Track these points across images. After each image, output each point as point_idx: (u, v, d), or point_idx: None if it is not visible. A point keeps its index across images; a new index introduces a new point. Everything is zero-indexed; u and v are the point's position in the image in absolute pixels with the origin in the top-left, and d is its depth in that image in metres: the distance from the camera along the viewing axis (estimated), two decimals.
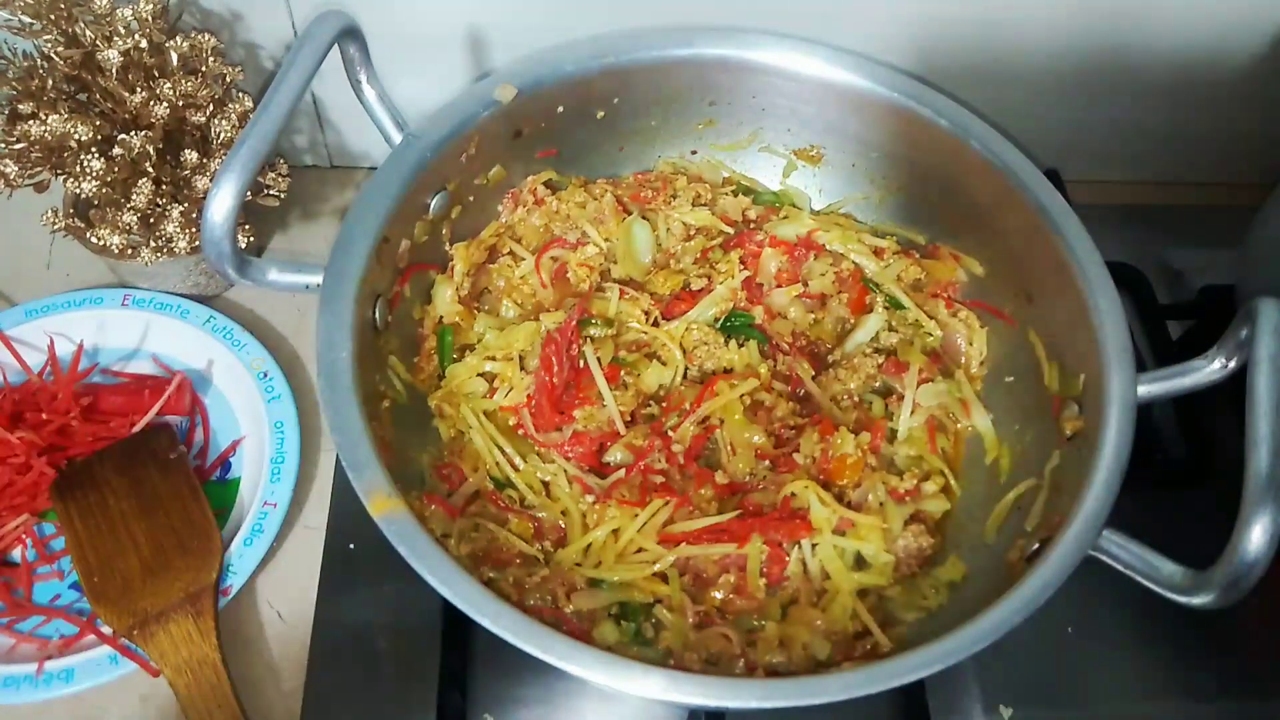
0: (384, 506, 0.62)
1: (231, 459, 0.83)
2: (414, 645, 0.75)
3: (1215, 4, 0.88)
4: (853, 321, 0.85)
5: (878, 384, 0.82)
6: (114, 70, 0.78)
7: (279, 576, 0.79)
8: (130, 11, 0.79)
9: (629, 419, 0.78)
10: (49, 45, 0.78)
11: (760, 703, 0.58)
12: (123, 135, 0.79)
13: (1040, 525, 0.69)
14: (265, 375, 0.84)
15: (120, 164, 0.78)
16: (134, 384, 0.84)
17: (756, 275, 0.87)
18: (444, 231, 0.83)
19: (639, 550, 0.72)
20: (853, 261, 0.87)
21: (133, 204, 0.79)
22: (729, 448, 0.76)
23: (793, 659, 0.68)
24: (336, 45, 0.70)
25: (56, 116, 0.76)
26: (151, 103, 0.79)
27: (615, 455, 0.77)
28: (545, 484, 0.75)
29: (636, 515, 0.72)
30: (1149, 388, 0.68)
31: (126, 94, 0.79)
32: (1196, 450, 0.86)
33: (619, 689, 0.58)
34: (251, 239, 0.88)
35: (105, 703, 0.72)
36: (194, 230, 0.82)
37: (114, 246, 0.81)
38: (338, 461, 0.83)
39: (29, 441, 0.78)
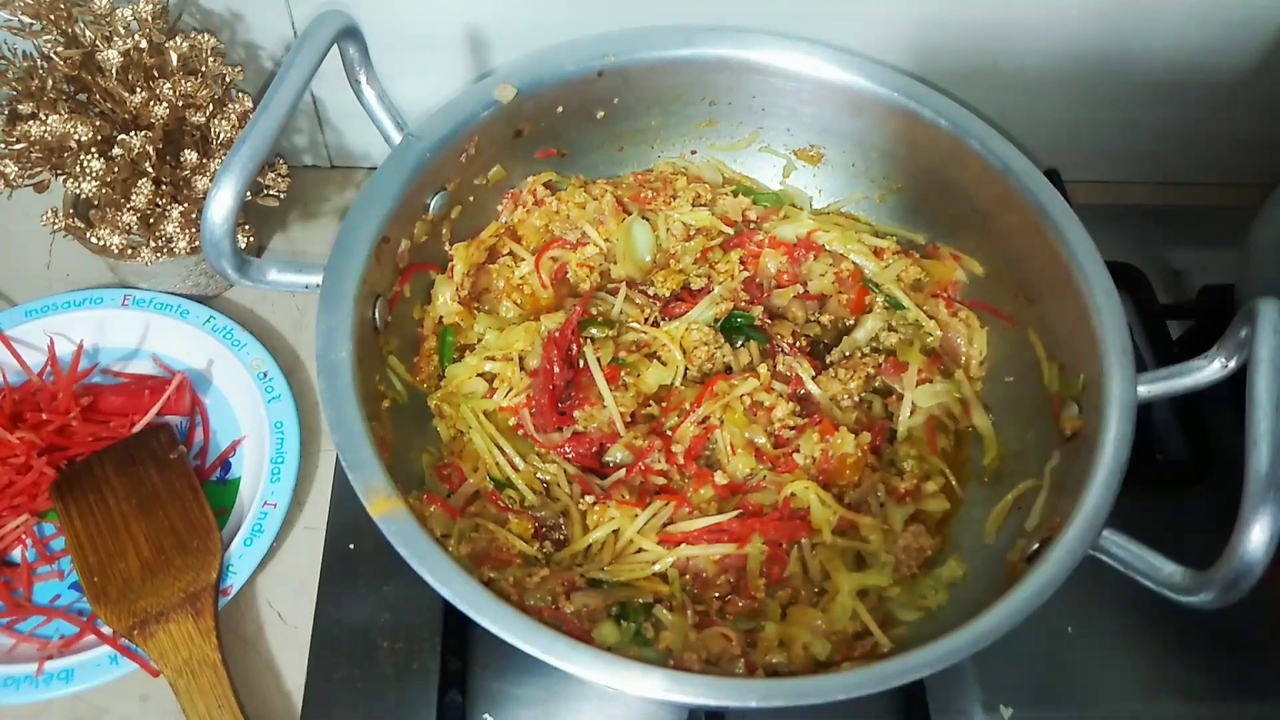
0: (384, 506, 0.62)
1: (231, 459, 0.83)
2: (414, 645, 0.75)
3: (1215, 4, 0.88)
4: (853, 321, 0.85)
5: (878, 384, 0.82)
6: (114, 70, 0.78)
7: (279, 576, 0.79)
8: (130, 11, 0.79)
9: (629, 419, 0.78)
10: (49, 45, 0.78)
11: (760, 703, 0.58)
12: (123, 135, 0.79)
13: (1040, 525, 0.69)
14: (265, 375, 0.84)
15: (120, 164, 0.78)
16: (134, 384, 0.84)
17: (756, 275, 0.87)
18: (444, 231, 0.83)
19: (639, 550, 0.72)
20: (852, 262, 0.87)
21: (133, 204, 0.79)
22: (729, 448, 0.76)
23: (793, 659, 0.68)
24: (336, 45, 0.70)
25: (56, 116, 0.76)
26: (151, 103, 0.79)
27: (615, 455, 0.77)
28: (545, 484, 0.75)
29: (636, 515, 0.72)
30: (1149, 388, 0.68)
31: (126, 94, 0.79)
32: (1196, 450, 0.86)
33: (619, 689, 0.58)
34: (251, 239, 0.88)
35: (105, 703, 0.72)
36: (194, 230, 0.82)
37: (114, 246, 0.81)
38: (338, 461, 0.83)
39: (29, 441, 0.78)
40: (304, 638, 0.75)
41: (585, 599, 0.68)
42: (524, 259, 0.86)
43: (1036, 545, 0.66)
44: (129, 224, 0.80)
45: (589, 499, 0.73)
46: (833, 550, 0.72)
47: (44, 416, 0.79)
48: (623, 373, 0.79)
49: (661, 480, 0.75)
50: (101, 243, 0.80)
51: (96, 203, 0.81)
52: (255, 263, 0.67)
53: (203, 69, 0.82)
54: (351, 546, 0.79)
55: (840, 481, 0.75)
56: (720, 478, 0.75)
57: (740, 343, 0.82)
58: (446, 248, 0.83)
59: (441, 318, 0.82)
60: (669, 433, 0.77)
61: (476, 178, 0.84)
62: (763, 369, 0.80)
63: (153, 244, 0.82)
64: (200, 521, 0.76)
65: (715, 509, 0.74)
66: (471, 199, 0.84)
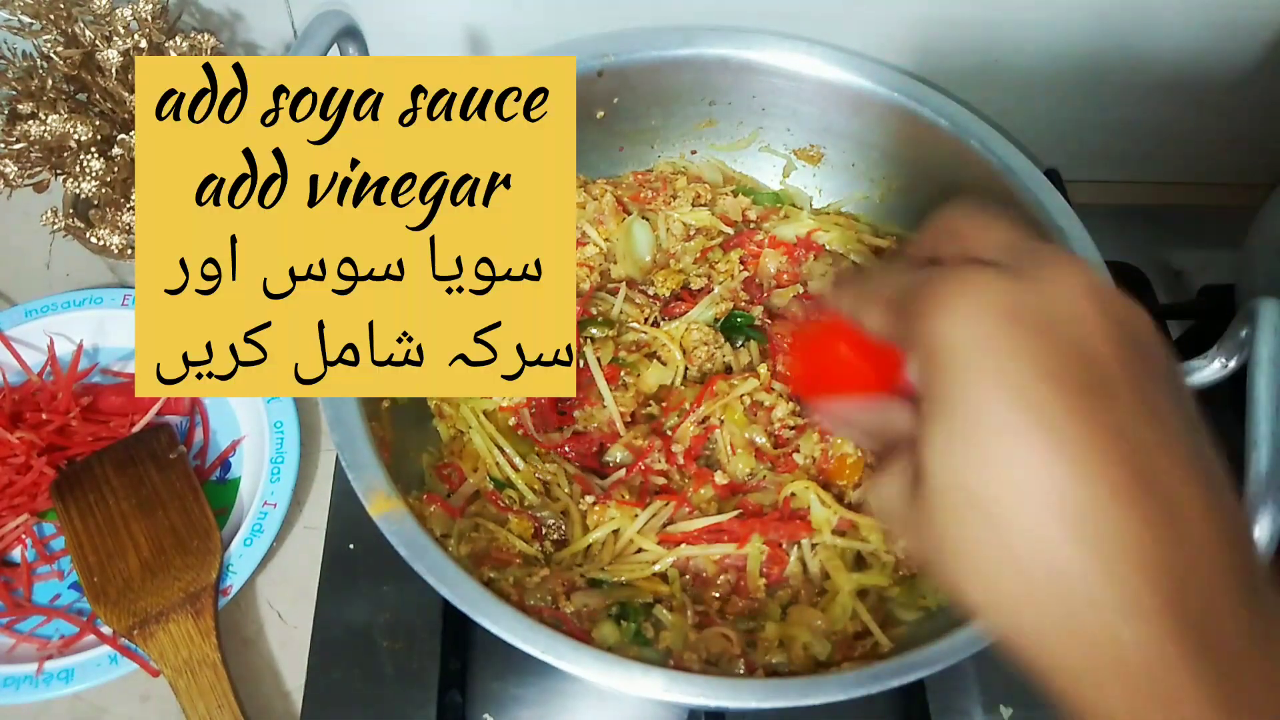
0: (384, 506, 0.62)
1: (231, 459, 0.83)
2: (414, 645, 0.75)
3: (1215, 4, 0.88)
4: None
5: None
6: (114, 70, 0.78)
7: (279, 576, 0.79)
8: (130, 11, 0.79)
9: (629, 419, 0.78)
10: (49, 45, 0.78)
11: (760, 703, 0.58)
12: (123, 135, 0.79)
13: None
14: None
15: (120, 164, 0.78)
16: (133, 384, 0.84)
17: (756, 275, 0.87)
18: None
19: (639, 550, 0.72)
20: (852, 261, 0.87)
21: (132, 204, 0.79)
22: (729, 448, 0.76)
23: (793, 659, 0.67)
24: (336, 45, 0.70)
25: (56, 116, 0.76)
26: None
27: (615, 455, 0.77)
28: (545, 484, 0.75)
29: (636, 515, 0.72)
30: None
31: (126, 94, 0.79)
32: None
33: (619, 689, 0.58)
34: None
35: (105, 703, 0.72)
36: None
37: (114, 246, 0.81)
38: (338, 461, 0.83)
39: (29, 441, 0.78)
40: (304, 638, 0.75)
41: (585, 599, 0.68)
42: None
43: None
44: (129, 224, 0.80)
45: (589, 499, 0.73)
46: (833, 550, 0.72)
47: (44, 416, 0.79)
48: (623, 373, 0.79)
49: (661, 480, 0.75)
50: (101, 243, 0.80)
51: (96, 203, 0.81)
52: None
53: None
54: (351, 546, 0.79)
55: (840, 481, 0.75)
56: (720, 478, 0.75)
57: (740, 343, 0.82)
58: None
59: None
60: (669, 433, 0.77)
61: None
62: (763, 369, 0.80)
63: None
64: (200, 521, 0.76)
65: (715, 509, 0.74)
66: None
